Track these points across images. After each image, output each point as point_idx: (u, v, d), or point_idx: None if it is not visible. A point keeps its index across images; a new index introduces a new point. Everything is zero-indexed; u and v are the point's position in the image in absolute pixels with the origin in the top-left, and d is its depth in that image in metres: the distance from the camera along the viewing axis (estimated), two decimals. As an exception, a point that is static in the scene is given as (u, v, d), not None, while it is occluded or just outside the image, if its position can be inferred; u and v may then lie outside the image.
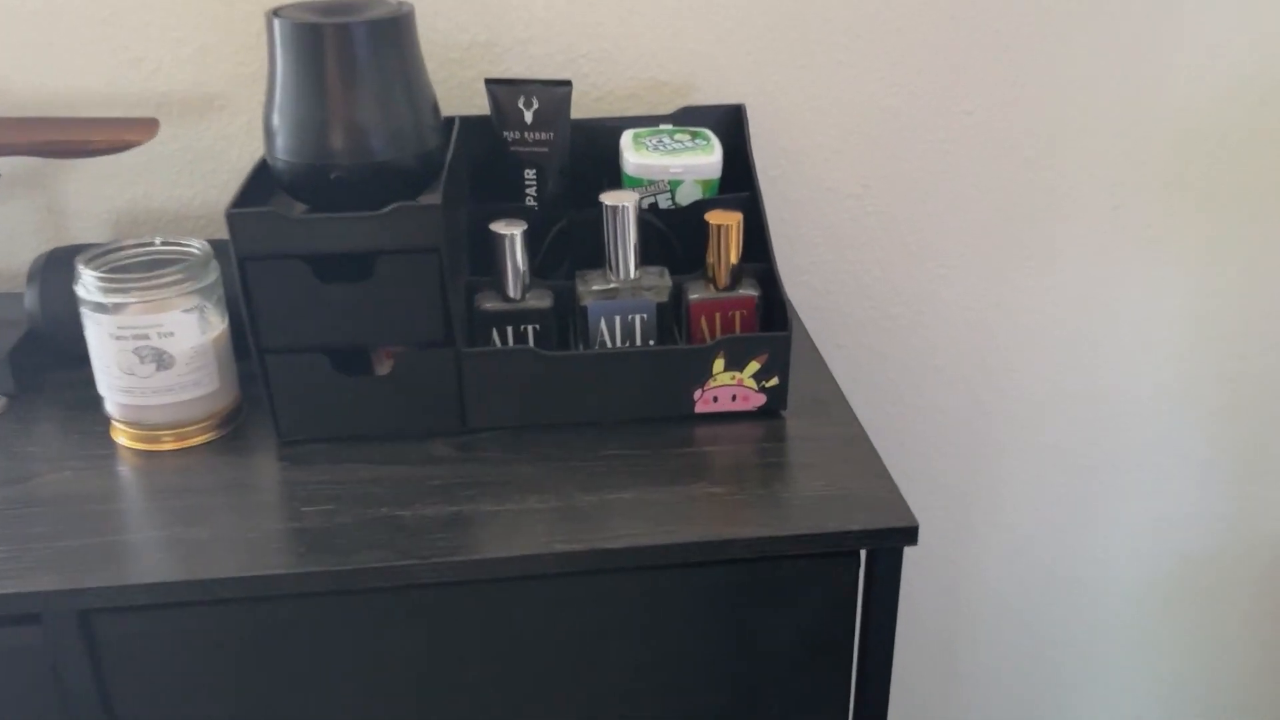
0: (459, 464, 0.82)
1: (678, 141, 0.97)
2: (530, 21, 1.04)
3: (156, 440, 0.85)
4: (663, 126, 1.00)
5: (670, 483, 0.80)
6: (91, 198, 1.06)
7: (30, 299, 0.92)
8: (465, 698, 0.78)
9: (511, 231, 0.85)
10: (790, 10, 1.06)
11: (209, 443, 0.86)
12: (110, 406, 0.85)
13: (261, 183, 0.85)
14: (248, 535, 0.75)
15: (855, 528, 0.74)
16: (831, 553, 0.76)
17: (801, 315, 1.12)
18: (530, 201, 0.97)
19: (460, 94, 1.04)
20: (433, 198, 0.81)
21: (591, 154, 0.99)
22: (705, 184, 0.95)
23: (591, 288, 0.87)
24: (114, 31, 1.00)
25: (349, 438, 0.85)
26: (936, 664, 1.41)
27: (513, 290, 0.87)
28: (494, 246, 0.85)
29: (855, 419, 0.87)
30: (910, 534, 0.75)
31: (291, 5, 0.84)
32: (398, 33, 0.83)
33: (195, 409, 0.85)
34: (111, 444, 0.85)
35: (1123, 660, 1.45)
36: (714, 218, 0.87)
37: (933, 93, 1.11)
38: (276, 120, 0.82)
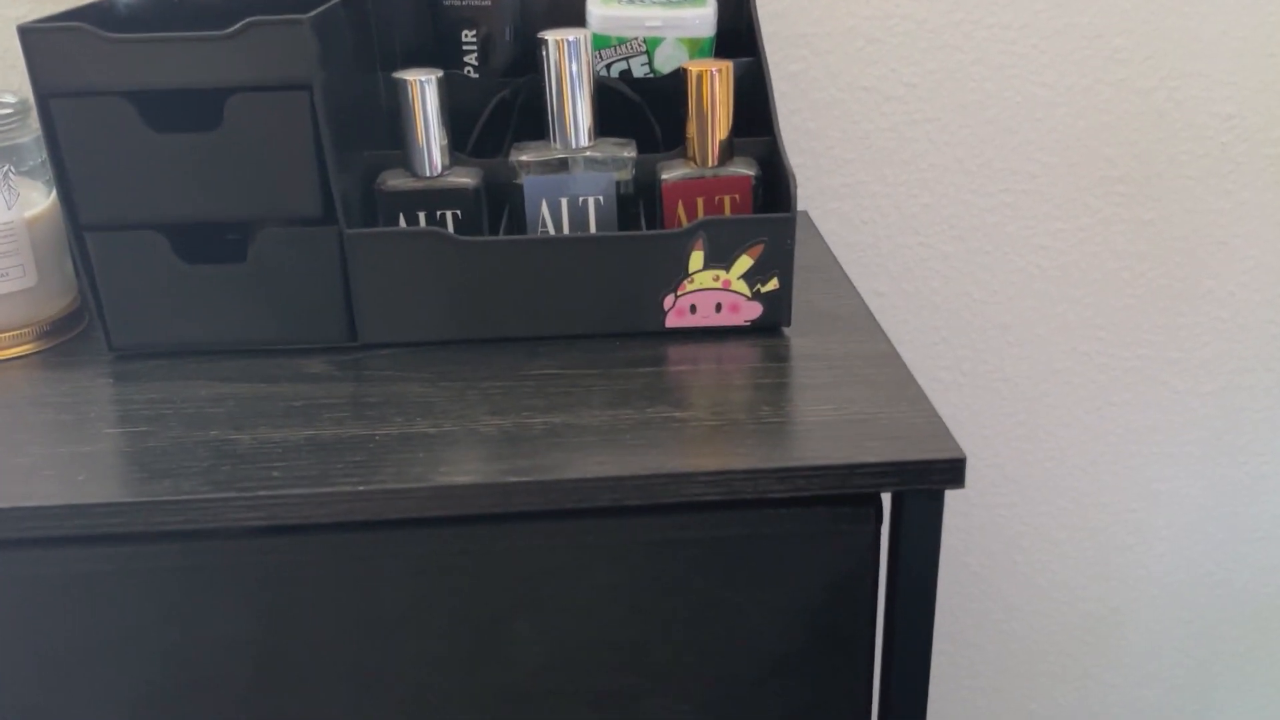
0: (334, 383, 0.61)
1: (660, -5, 0.75)
2: None
3: (-47, 354, 0.64)
4: (642, -22, 0.78)
5: (615, 406, 0.57)
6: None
7: None
8: (294, 670, 0.56)
9: (420, 78, 0.64)
10: None
11: (25, 356, 0.65)
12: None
13: (90, 12, 0.64)
14: (16, 462, 0.54)
15: (872, 459, 0.51)
16: (837, 497, 0.52)
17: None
18: (469, 70, 0.76)
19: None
20: (316, 13, 0.60)
21: (553, 12, 0.77)
22: (692, 43, 0.73)
23: (530, 159, 0.65)
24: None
25: (201, 352, 0.64)
26: (977, 644, 1.15)
27: (425, 165, 0.65)
28: (402, 104, 0.64)
29: (884, 337, 0.64)
30: (954, 469, 0.51)
31: None
32: None
33: (3, 311, 0.64)
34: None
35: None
36: (694, 66, 0.65)
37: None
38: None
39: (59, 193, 0.61)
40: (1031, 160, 0.94)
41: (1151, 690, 1.16)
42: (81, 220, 0.61)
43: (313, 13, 0.59)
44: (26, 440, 0.55)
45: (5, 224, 0.63)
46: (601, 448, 0.53)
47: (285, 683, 0.55)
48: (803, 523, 0.52)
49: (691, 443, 0.53)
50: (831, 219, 0.94)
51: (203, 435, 0.55)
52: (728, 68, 0.65)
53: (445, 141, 0.65)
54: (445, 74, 0.65)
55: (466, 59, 0.76)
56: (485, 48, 0.76)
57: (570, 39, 0.63)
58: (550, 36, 0.64)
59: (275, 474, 0.51)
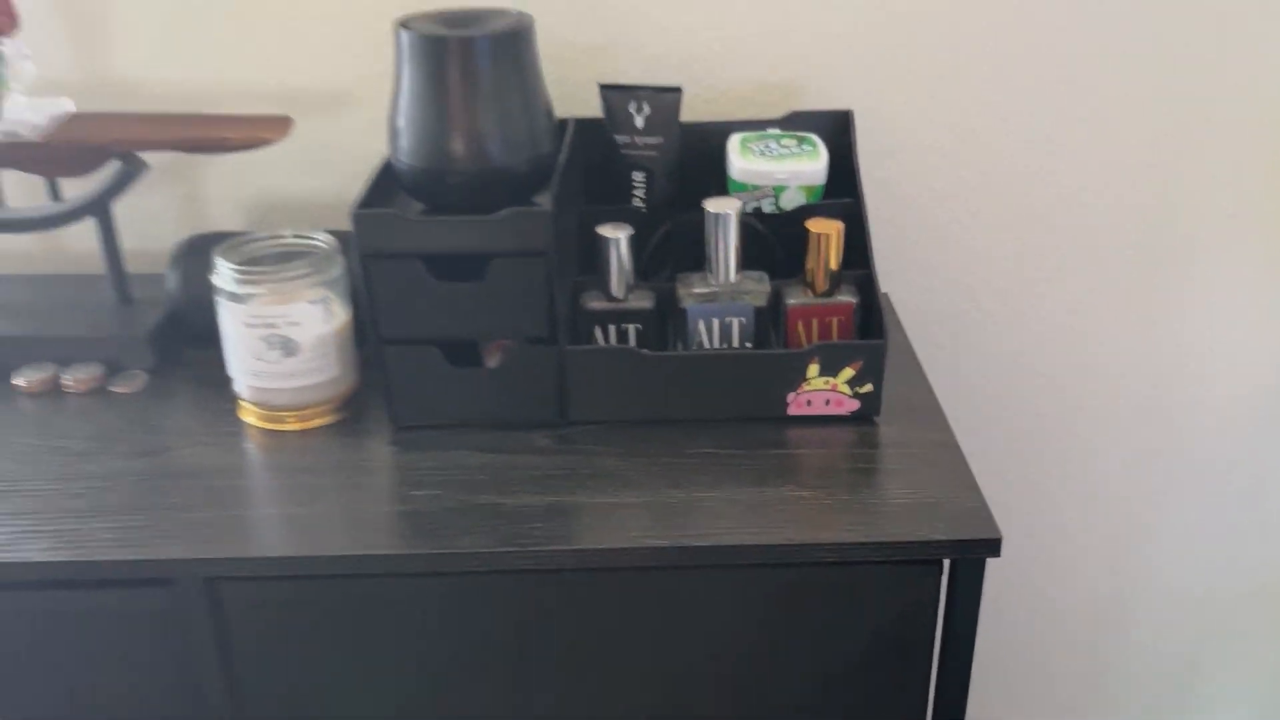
0: (557, 455, 0.87)
1: (784, 147, 0.99)
2: (645, 25, 1.07)
3: (280, 420, 0.91)
4: (770, 131, 1.02)
5: (759, 483, 0.82)
6: (229, 186, 1.13)
7: (171, 282, 0.99)
8: (551, 680, 0.83)
9: (617, 235, 0.88)
10: (899, 12, 1.07)
11: (329, 425, 0.92)
12: (240, 387, 0.91)
13: (386, 181, 0.90)
14: (359, 515, 0.80)
15: (938, 537, 0.76)
16: (914, 561, 0.78)
17: (902, 314, 1.13)
18: (638, 203, 1.00)
19: (577, 95, 1.08)
20: (545, 203, 0.85)
21: (702, 156, 1.01)
22: (809, 190, 0.97)
23: (691, 290, 0.90)
24: (248, 28, 1.06)
25: (457, 425, 0.90)
26: (1018, 671, 1.41)
27: (616, 290, 0.90)
28: (600, 248, 0.89)
29: (947, 426, 0.89)
30: (993, 546, 0.76)
31: (419, 16, 0.88)
32: (517, 45, 0.87)
33: (317, 393, 0.91)
34: (239, 422, 0.92)
35: (1229, 670, 1.43)
36: (814, 225, 0.89)
37: (1042, 97, 1.11)
38: (400, 124, 0.87)
39: (369, 318, 0.87)
40: (1065, 241, 1.17)
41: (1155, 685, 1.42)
42: (384, 335, 0.87)
43: (550, 197, 0.84)
44: (359, 498, 0.82)
45: (324, 335, 0.89)
46: (757, 521, 0.78)
47: (526, 675, 0.82)
48: (889, 578, 0.78)
49: (817, 518, 0.79)
50: (905, 288, 1.18)
51: (478, 499, 0.82)
52: (838, 231, 0.89)
53: (630, 273, 0.90)
54: (621, 207, 0.90)
55: (636, 193, 1.00)
56: (651, 185, 1.00)
57: (725, 211, 0.88)
58: (709, 207, 0.88)
59: (541, 533, 0.78)
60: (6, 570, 0.76)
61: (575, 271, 0.94)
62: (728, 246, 0.89)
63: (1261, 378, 1.25)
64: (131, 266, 1.04)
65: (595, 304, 0.91)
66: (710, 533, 0.77)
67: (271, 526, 0.80)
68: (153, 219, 1.13)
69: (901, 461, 0.85)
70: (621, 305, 0.91)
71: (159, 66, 1.08)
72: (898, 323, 1.08)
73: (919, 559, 0.77)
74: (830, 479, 0.83)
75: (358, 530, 0.79)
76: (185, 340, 1.00)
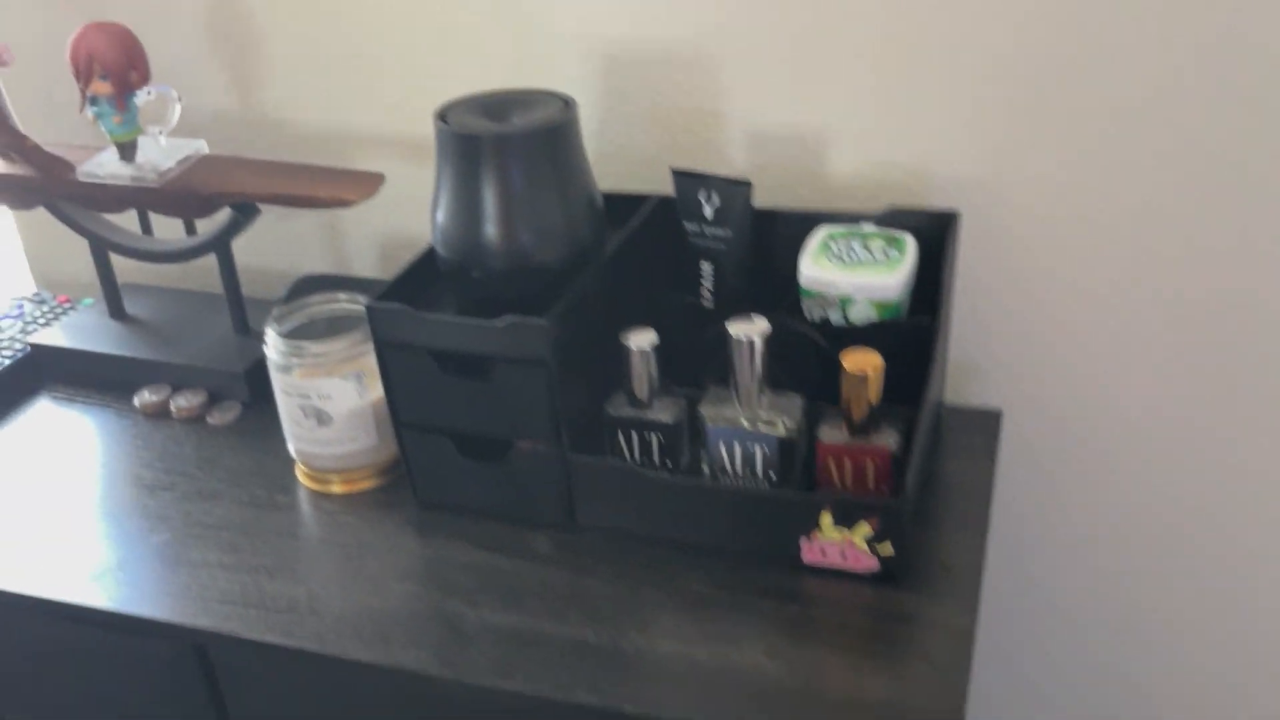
0: (548, 565, 0.84)
1: (868, 250, 0.89)
2: (756, 93, 0.99)
3: (326, 482, 0.94)
4: (863, 226, 0.92)
5: (730, 644, 0.76)
6: (361, 221, 1.17)
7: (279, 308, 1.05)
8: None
9: (639, 346, 0.83)
10: (1025, 104, 0.92)
11: (371, 489, 0.94)
12: (289, 446, 0.95)
13: (429, 266, 0.89)
14: (340, 604, 0.82)
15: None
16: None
17: (1012, 437, 1.00)
18: (705, 295, 0.94)
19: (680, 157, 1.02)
20: (577, 296, 0.82)
21: (793, 244, 0.93)
22: (881, 306, 0.87)
23: (714, 410, 0.84)
24: (380, 77, 1.09)
25: (471, 511, 0.90)
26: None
27: (641, 397, 0.85)
28: (625, 357, 0.84)
29: (976, 605, 0.78)
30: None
31: (463, 102, 0.86)
32: (553, 140, 0.83)
33: (356, 459, 0.93)
34: (293, 478, 0.96)
35: None
36: (851, 361, 0.80)
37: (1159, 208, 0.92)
38: (438, 215, 0.86)
39: (388, 399, 0.88)
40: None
41: None
42: (400, 419, 0.88)
43: (552, 312, 0.80)
44: (350, 584, 0.84)
45: (360, 408, 0.91)
46: (695, 693, 0.72)
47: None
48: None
49: (769, 706, 0.71)
50: (994, 388, 1.04)
51: (446, 605, 0.81)
52: (877, 370, 0.79)
53: (656, 382, 0.85)
54: (686, 299, 0.88)
55: (704, 283, 0.94)
56: (719, 277, 0.93)
57: (748, 339, 0.80)
58: (733, 332, 0.81)
59: (484, 662, 0.76)
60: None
61: (601, 362, 0.90)
62: (753, 374, 0.81)
63: None
64: (270, 288, 1.11)
65: (617, 411, 0.86)
66: (643, 699, 0.73)
67: (259, 598, 0.83)
68: (298, 245, 1.20)
69: (901, 646, 0.75)
70: (644, 415, 0.86)
71: (300, 108, 1.13)
72: (991, 451, 0.95)
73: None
74: (809, 655, 0.75)
75: (330, 621, 0.81)
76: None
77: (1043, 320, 1.00)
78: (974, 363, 1.03)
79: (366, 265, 1.20)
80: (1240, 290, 0.94)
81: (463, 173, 0.83)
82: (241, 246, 1.07)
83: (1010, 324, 1.01)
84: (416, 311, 0.83)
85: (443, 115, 0.85)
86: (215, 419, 1.04)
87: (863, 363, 0.79)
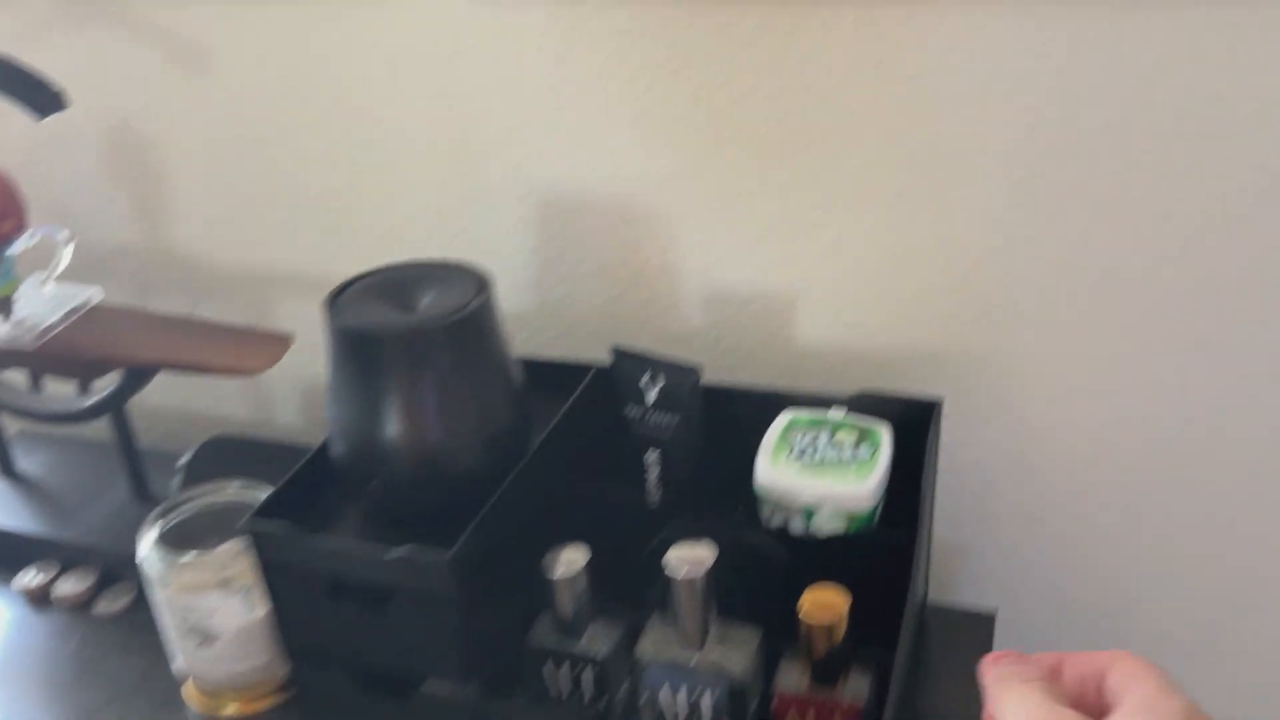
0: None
1: (835, 445, 0.76)
2: (712, 248, 0.87)
3: (219, 703, 0.81)
4: (832, 413, 0.79)
5: None
6: (282, 365, 1.05)
7: (174, 491, 0.93)
8: None
9: (564, 575, 0.71)
10: (1015, 265, 0.79)
11: (273, 708, 0.81)
12: (175, 662, 0.83)
13: (322, 463, 0.77)
14: None
15: None
16: None
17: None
18: (651, 489, 0.82)
19: (635, 327, 0.90)
20: (462, 539, 0.68)
21: (752, 426, 0.80)
22: (851, 517, 0.74)
23: (654, 646, 0.71)
24: (300, 218, 0.97)
25: (379, 752, 0.77)
26: None
27: (568, 627, 0.73)
28: (550, 586, 0.72)
29: None
30: None
31: (358, 283, 0.74)
32: (467, 331, 0.71)
33: (249, 678, 0.81)
34: (179, 701, 0.83)
35: None
36: (810, 605, 0.67)
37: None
38: (328, 411, 0.74)
39: (276, 624, 0.75)
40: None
41: None
42: (291, 647, 0.76)
43: (455, 547, 0.67)
44: None
45: (249, 625, 0.78)
46: None
47: None
48: None
49: None
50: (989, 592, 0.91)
51: None
52: (840, 617, 0.66)
53: (587, 607, 0.73)
54: (629, 493, 0.77)
55: (648, 476, 0.82)
56: (667, 466, 0.81)
57: (691, 576, 0.67)
58: (674, 562, 0.68)
59: None
60: None
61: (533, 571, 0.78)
62: (694, 610, 0.69)
63: None
64: (185, 435, 1.00)
65: (540, 641, 0.74)
66: None
67: None
68: (213, 384, 1.08)
69: None
70: (572, 648, 0.73)
71: (213, 244, 1.01)
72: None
73: None
74: None
75: None
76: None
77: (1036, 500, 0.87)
78: (964, 545, 0.91)
79: (290, 412, 1.08)
80: (1267, 473, 0.81)
81: (358, 371, 0.71)
82: (155, 385, 0.95)
83: (1000, 504, 0.88)
84: (301, 533, 0.71)
85: (334, 298, 0.73)
86: (103, 608, 0.91)
87: (825, 607, 0.67)
